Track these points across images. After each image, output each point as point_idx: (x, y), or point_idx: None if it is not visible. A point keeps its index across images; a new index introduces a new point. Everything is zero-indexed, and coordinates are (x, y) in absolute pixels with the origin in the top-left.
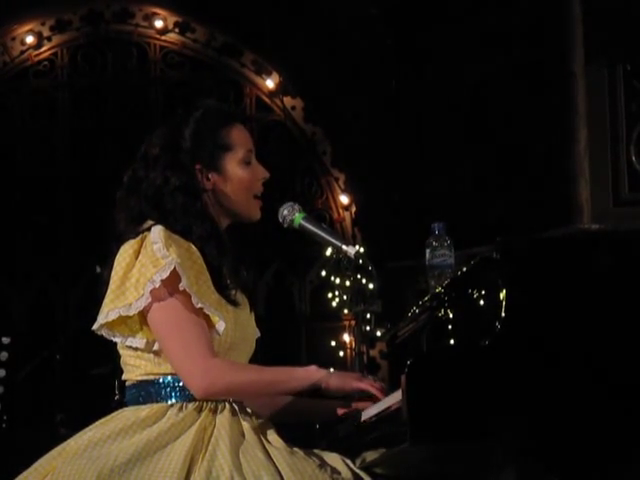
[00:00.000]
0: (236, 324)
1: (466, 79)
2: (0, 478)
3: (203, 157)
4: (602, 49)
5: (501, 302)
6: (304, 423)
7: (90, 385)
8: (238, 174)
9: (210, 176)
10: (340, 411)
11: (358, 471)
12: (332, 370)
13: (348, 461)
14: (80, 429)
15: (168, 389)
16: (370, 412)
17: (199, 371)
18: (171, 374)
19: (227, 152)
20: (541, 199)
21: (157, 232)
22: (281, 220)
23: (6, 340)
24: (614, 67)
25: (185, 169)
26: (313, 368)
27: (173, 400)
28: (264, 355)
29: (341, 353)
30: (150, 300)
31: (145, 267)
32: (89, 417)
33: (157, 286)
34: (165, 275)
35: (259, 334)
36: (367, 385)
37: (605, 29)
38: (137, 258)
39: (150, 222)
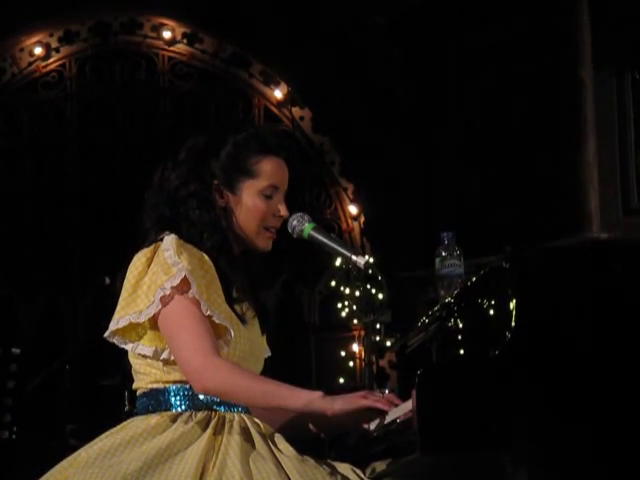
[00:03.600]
0: (245, 339)
1: (474, 87)
2: None
3: (224, 174)
4: (610, 57)
5: (511, 312)
6: (312, 438)
7: (100, 396)
8: (250, 202)
9: (224, 194)
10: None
11: None
12: (341, 380)
13: (358, 471)
14: (90, 440)
15: (177, 397)
16: (380, 422)
17: (199, 365)
18: (180, 382)
19: (248, 178)
20: (550, 208)
21: (169, 240)
22: (290, 230)
23: (16, 351)
24: (622, 75)
25: (203, 180)
26: (318, 394)
27: (182, 408)
28: (273, 365)
29: (350, 363)
30: (160, 307)
31: (156, 274)
32: (99, 428)
33: (167, 293)
34: (176, 282)
35: (269, 353)
36: (373, 402)
37: (613, 37)
38: (149, 266)
39: (166, 232)
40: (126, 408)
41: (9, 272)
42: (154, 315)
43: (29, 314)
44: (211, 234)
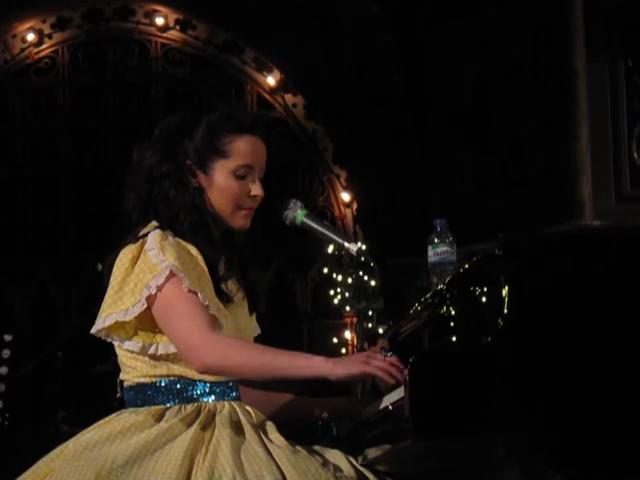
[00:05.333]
0: (232, 329)
1: (467, 76)
2: (2, 475)
3: (196, 154)
4: (604, 45)
5: (503, 299)
6: (305, 421)
7: (92, 382)
8: (222, 183)
9: (197, 174)
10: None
11: (361, 468)
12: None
13: (350, 458)
14: (82, 426)
15: (165, 392)
16: (373, 409)
17: (196, 342)
18: (167, 376)
19: (220, 158)
20: (543, 196)
21: (152, 238)
22: (283, 217)
23: (8, 337)
24: (616, 63)
25: (176, 159)
26: (318, 359)
27: (171, 403)
28: None
29: (343, 350)
30: (146, 306)
31: (143, 272)
32: (91, 414)
33: (153, 292)
34: (161, 281)
35: (259, 331)
36: (374, 369)
37: (607, 25)
38: (136, 263)
39: (152, 224)
40: (118, 395)
41: (1, 258)
42: (148, 304)
43: (21, 300)
44: (187, 214)
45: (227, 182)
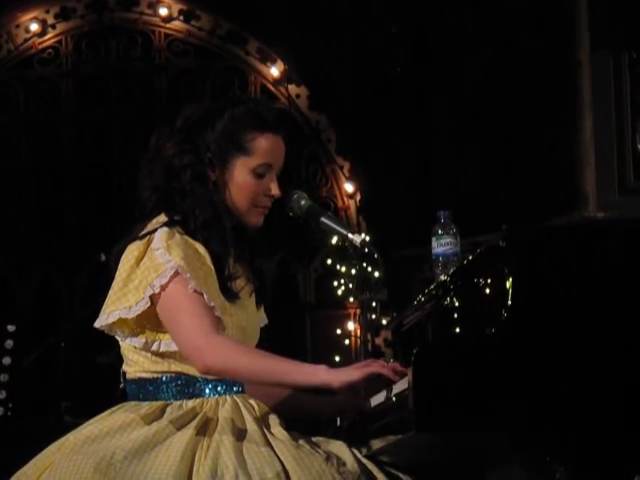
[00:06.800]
0: (238, 328)
1: (471, 67)
2: (6, 465)
3: (217, 148)
4: (607, 37)
5: (507, 290)
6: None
7: (95, 373)
8: (241, 180)
9: (216, 168)
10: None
11: (364, 460)
12: (337, 358)
13: (354, 450)
14: (85, 417)
15: (167, 388)
16: (377, 399)
17: (200, 344)
18: (168, 372)
19: (241, 155)
20: (547, 188)
21: (159, 237)
22: (287, 208)
23: (11, 328)
24: (619, 55)
25: (198, 151)
26: (322, 367)
27: (172, 399)
28: (269, 343)
29: (346, 341)
30: (149, 304)
31: (148, 271)
32: (94, 405)
33: (156, 291)
34: (164, 280)
35: (266, 322)
36: (378, 368)
37: (610, 16)
38: (142, 260)
39: (161, 219)
40: (121, 385)
41: (4, 249)
42: (153, 303)
43: (24, 291)
44: (202, 210)
45: (246, 180)
